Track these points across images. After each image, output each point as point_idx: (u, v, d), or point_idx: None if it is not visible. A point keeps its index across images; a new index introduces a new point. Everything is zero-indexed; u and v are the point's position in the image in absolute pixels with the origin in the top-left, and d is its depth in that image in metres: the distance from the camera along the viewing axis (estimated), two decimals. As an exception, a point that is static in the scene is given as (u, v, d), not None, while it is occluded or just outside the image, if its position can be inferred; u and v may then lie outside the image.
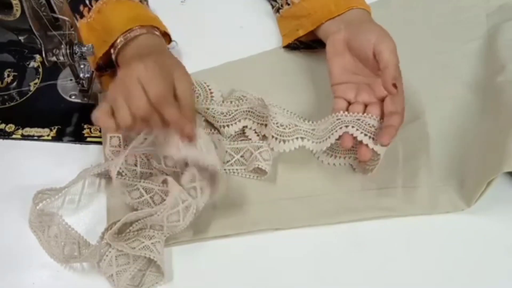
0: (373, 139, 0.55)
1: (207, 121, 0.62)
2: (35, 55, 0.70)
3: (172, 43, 0.66)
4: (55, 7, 0.55)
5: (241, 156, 0.60)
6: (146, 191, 0.56)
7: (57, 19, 0.56)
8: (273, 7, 0.73)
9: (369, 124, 0.55)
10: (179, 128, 0.50)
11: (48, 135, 0.63)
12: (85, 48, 0.59)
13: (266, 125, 0.60)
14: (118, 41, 0.59)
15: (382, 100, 0.56)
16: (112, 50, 0.60)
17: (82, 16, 0.63)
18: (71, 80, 0.66)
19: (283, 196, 0.58)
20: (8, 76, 0.68)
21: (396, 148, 0.61)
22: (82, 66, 0.65)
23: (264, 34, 0.72)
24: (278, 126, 0.57)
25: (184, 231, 0.54)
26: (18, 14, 0.53)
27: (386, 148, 0.55)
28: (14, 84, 0.67)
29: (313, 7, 0.64)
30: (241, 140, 0.61)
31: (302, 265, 0.55)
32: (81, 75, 0.65)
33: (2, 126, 0.64)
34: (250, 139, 0.61)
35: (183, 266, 0.54)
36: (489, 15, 0.72)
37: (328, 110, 0.59)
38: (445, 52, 0.70)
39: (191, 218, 0.53)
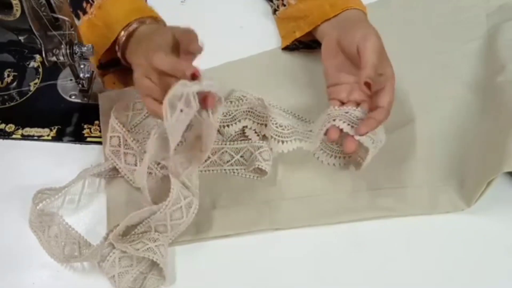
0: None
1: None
2: (35, 55, 0.70)
3: None
4: (55, 7, 0.55)
5: (241, 156, 0.60)
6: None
7: (57, 19, 0.56)
8: (271, 8, 0.73)
9: (356, 116, 0.54)
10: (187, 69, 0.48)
11: (48, 135, 0.63)
12: (85, 48, 0.59)
13: (266, 125, 0.60)
14: (122, 34, 0.58)
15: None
16: (116, 47, 0.60)
17: (85, 13, 0.62)
18: (71, 80, 0.66)
19: (283, 196, 0.58)
20: (8, 76, 0.68)
21: (396, 148, 0.61)
22: (82, 66, 0.65)
23: (264, 34, 0.72)
24: (277, 127, 0.57)
25: (184, 231, 0.54)
26: (18, 14, 0.53)
27: (374, 144, 0.54)
28: (14, 84, 0.67)
29: (309, 8, 0.64)
30: (241, 140, 0.61)
31: (302, 265, 0.55)
32: (81, 75, 0.65)
33: (2, 126, 0.64)
34: (250, 139, 0.61)
35: (184, 266, 0.54)
36: (489, 15, 0.72)
37: (327, 110, 0.59)
38: (445, 52, 0.70)
39: (193, 214, 0.53)
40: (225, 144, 0.60)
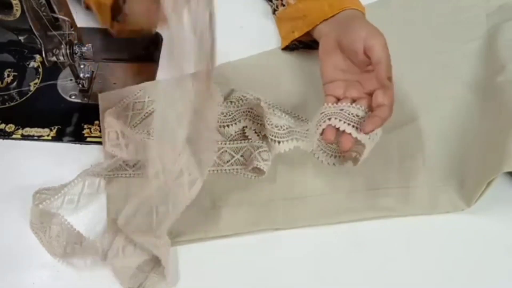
0: (356, 128, 0.54)
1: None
2: (35, 55, 0.70)
3: None
4: (55, 7, 0.55)
5: (241, 156, 0.60)
6: None
7: (57, 19, 0.56)
8: (271, 8, 0.73)
9: (352, 113, 0.54)
10: None
11: (48, 135, 0.63)
12: (85, 48, 0.60)
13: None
14: None
15: (370, 95, 0.56)
16: None
17: None
18: (71, 80, 0.66)
19: (283, 196, 0.58)
20: (8, 76, 0.68)
21: (396, 148, 0.61)
22: (82, 66, 0.65)
23: (264, 34, 0.72)
24: (272, 127, 0.57)
25: (184, 231, 0.54)
26: (18, 14, 0.53)
27: (371, 139, 0.54)
28: (14, 84, 0.67)
29: (308, 8, 0.64)
30: (241, 140, 0.61)
31: (302, 265, 0.55)
32: (81, 75, 0.65)
33: (2, 126, 0.64)
34: (250, 139, 0.61)
35: (183, 266, 0.54)
36: (489, 15, 0.72)
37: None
38: (445, 52, 0.70)
39: (196, 192, 0.52)
40: (225, 144, 0.60)
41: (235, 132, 0.61)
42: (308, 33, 0.65)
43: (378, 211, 0.58)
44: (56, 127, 0.64)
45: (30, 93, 0.67)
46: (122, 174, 0.59)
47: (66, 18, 0.56)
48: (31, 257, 0.54)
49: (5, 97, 0.66)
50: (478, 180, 0.56)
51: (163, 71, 0.67)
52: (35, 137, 0.63)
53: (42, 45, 0.57)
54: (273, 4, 0.72)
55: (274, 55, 0.70)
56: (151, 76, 0.66)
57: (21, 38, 0.57)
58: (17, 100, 0.66)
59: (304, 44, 0.69)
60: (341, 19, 0.60)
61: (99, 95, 0.64)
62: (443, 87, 0.67)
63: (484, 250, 0.56)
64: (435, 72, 0.68)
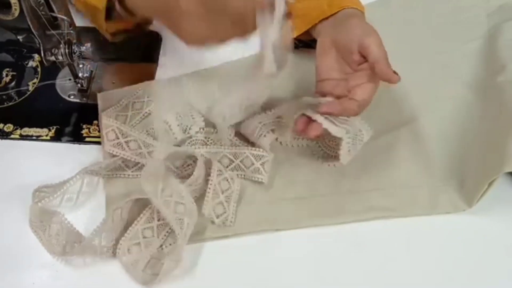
0: (332, 122, 0.54)
1: (207, 120, 0.62)
2: (33, 55, 0.69)
3: None
4: (53, 7, 0.55)
5: (241, 161, 0.59)
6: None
7: (55, 18, 0.56)
8: None
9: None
10: None
11: (46, 135, 0.63)
12: (84, 47, 0.59)
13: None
14: None
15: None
16: None
17: None
18: (69, 79, 0.66)
19: (283, 197, 0.58)
20: (7, 75, 0.68)
21: (396, 148, 0.61)
22: (81, 65, 0.65)
23: (263, 34, 0.72)
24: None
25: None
26: (16, 13, 0.53)
27: (350, 135, 0.54)
28: (13, 83, 0.67)
29: (307, 7, 0.64)
30: (238, 146, 0.61)
31: (302, 265, 0.55)
32: (80, 74, 0.65)
33: (1, 126, 0.63)
34: (247, 145, 0.61)
35: (183, 266, 0.54)
36: (489, 15, 0.72)
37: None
38: (445, 52, 0.70)
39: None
40: (224, 148, 0.60)
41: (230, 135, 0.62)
42: (308, 32, 0.65)
43: (378, 211, 0.58)
44: (55, 127, 0.63)
45: (29, 92, 0.66)
46: (121, 174, 0.59)
47: (65, 18, 0.56)
48: (31, 257, 0.54)
49: (4, 97, 0.66)
50: (479, 180, 0.56)
51: (162, 71, 0.67)
52: (34, 137, 0.63)
53: (41, 45, 0.56)
54: None
55: (274, 55, 0.70)
56: (150, 76, 0.66)
57: (20, 37, 0.57)
58: (15, 100, 0.66)
59: (304, 43, 0.69)
60: (340, 19, 0.60)
61: (98, 95, 0.64)
62: (443, 87, 0.67)
63: (484, 250, 0.56)
64: (435, 72, 0.68)
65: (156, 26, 0.50)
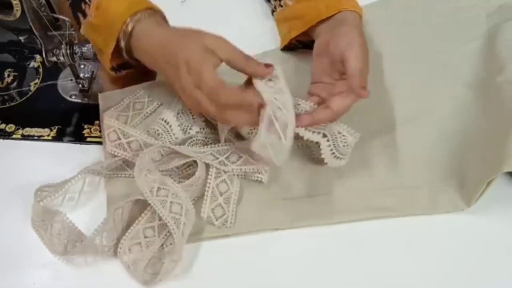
0: (307, 129, 0.54)
1: (207, 121, 0.62)
2: (35, 55, 0.70)
3: None
4: (55, 7, 0.55)
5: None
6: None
7: (57, 19, 0.56)
8: (270, 8, 0.73)
9: (305, 109, 0.55)
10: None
11: (48, 135, 0.63)
12: (85, 48, 0.60)
13: None
14: (129, 27, 0.55)
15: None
16: (122, 42, 0.56)
17: (85, 15, 0.60)
18: (71, 80, 0.66)
19: (283, 196, 0.58)
20: (9, 76, 0.68)
21: (396, 148, 0.61)
22: (82, 66, 0.65)
23: (264, 34, 0.72)
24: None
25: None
26: (18, 14, 0.53)
27: (328, 137, 0.54)
28: (15, 84, 0.67)
29: (305, 8, 0.64)
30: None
31: (302, 265, 0.55)
32: (81, 75, 0.65)
33: (3, 126, 0.64)
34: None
35: (183, 266, 0.54)
36: (489, 15, 0.72)
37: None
38: (445, 52, 0.70)
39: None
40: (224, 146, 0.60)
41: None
42: (307, 33, 0.65)
43: (378, 211, 0.58)
44: (56, 127, 0.64)
45: (30, 93, 0.67)
46: (122, 174, 0.60)
47: (66, 18, 0.56)
48: (32, 257, 0.55)
49: (5, 97, 0.66)
50: (478, 180, 0.56)
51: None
52: (35, 137, 0.63)
53: (42, 45, 0.57)
54: (272, 5, 0.72)
55: (274, 55, 0.70)
56: (151, 76, 0.66)
57: (21, 38, 0.58)
58: (17, 100, 0.66)
59: (303, 44, 0.69)
60: (337, 23, 0.60)
61: (99, 95, 0.64)
62: (443, 87, 0.67)
63: (484, 250, 0.56)
64: (435, 72, 0.68)
65: None
